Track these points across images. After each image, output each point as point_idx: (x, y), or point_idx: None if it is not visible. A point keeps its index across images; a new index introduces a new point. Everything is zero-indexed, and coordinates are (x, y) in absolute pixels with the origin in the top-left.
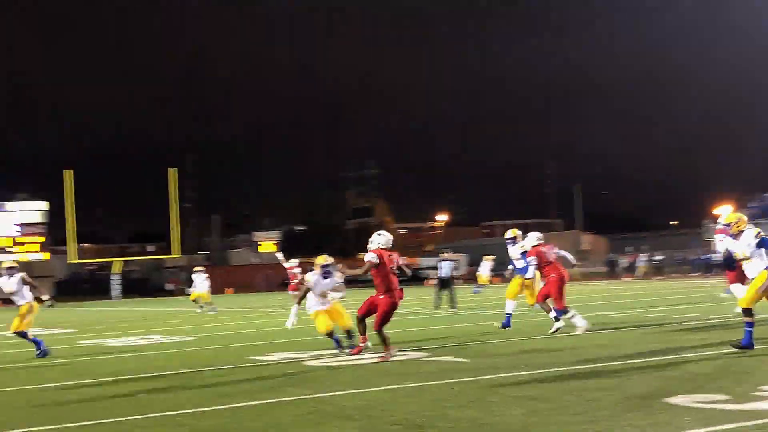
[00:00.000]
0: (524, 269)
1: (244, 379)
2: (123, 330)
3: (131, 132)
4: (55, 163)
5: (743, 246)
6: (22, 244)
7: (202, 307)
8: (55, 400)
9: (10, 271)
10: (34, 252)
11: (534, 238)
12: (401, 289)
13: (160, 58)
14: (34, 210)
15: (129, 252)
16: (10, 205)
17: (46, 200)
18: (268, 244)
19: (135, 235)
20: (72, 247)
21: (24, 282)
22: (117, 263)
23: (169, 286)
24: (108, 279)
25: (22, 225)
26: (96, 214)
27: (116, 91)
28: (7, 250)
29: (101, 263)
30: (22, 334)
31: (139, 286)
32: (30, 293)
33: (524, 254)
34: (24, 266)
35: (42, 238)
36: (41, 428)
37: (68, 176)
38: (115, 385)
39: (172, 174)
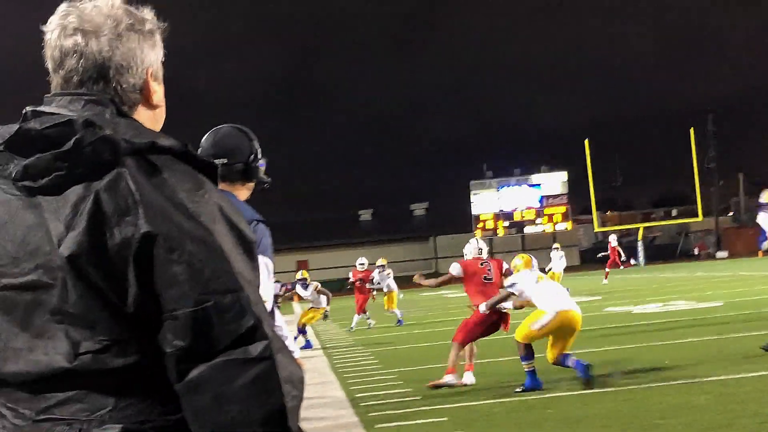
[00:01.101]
0: None
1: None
2: (648, 297)
3: (646, 94)
4: (574, 132)
5: None
6: (547, 215)
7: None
8: None
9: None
10: (558, 222)
11: None
12: None
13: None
14: (556, 181)
15: (653, 218)
16: (534, 177)
17: (567, 171)
18: None
19: (659, 199)
20: (595, 215)
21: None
22: (641, 229)
23: (695, 251)
24: (633, 246)
25: (545, 197)
26: (616, 180)
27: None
28: (536, 222)
29: (625, 230)
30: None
31: (664, 252)
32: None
33: None
34: (549, 236)
35: (564, 208)
36: None
37: (587, 145)
38: (639, 350)
39: (692, 134)
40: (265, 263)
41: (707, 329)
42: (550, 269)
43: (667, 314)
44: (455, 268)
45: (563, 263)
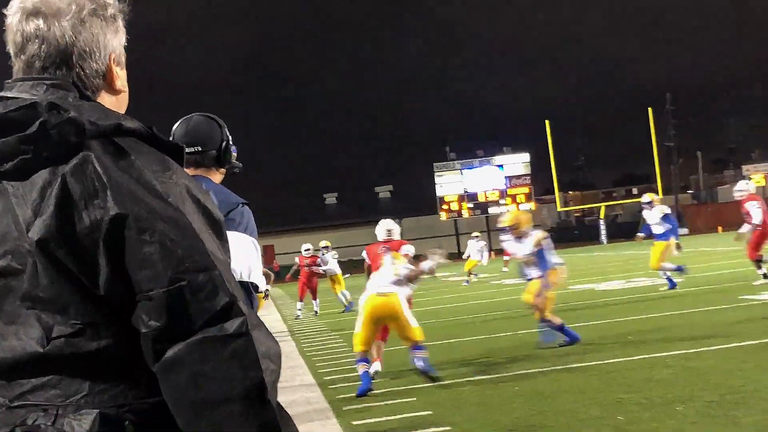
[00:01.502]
0: None
1: (736, 320)
2: (611, 274)
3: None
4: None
5: None
6: (511, 196)
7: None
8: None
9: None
10: (521, 203)
11: None
12: None
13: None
14: (519, 162)
15: (614, 196)
16: (497, 159)
17: (529, 152)
18: (760, 177)
19: (620, 179)
20: (557, 195)
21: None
22: (603, 208)
23: None
24: (596, 225)
25: (509, 178)
26: (577, 161)
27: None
28: (500, 203)
29: (587, 209)
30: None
31: (626, 230)
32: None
33: None
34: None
35: (527, 189)
36: None
37: (548, 126)
38: (605, 326)
39: (650, 114)
40: (253, 243)
41: (669, 304)
42: (468, 256)
43: (630, 290)
44: (364, 254)
45: (483, 254)
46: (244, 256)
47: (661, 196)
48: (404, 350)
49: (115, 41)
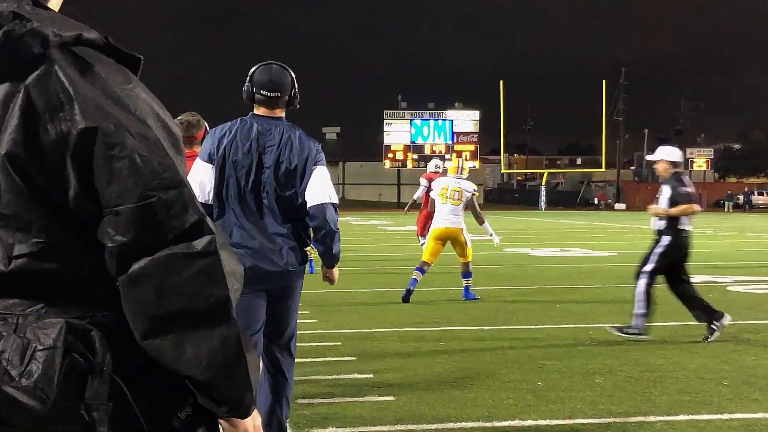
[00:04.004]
0: None
1: (662, 300)
2: (546, 241)
3: (564, 45)
4: (489, 74)
5: None
6: (457, 152)
7: None
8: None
9: None
10: (467, 160)
11: None
12: None
13: None
14: (468, 119)
15: (558, 164)
16: (448, 113)
17: (479, 110)
18: (701, 161)
19: (566, 147)
20: (503, 156)
21: None
22: (545, 175)
23: (595, 201)
24: (537, 190)
25: (456, 133)
26: (526, 125)
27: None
28: (445, 157)
29: (529, 174)
30: None
31: (565, 199)
32: None
33: None
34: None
35: (473, 147)
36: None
37: (502, 86)
38: (535, 292)
39: (604, 86)
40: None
41: (599, 277)
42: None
43: (563, 259)
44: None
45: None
46: (329, 184)
47: (604, 169)
48: (336, 294)
49: None
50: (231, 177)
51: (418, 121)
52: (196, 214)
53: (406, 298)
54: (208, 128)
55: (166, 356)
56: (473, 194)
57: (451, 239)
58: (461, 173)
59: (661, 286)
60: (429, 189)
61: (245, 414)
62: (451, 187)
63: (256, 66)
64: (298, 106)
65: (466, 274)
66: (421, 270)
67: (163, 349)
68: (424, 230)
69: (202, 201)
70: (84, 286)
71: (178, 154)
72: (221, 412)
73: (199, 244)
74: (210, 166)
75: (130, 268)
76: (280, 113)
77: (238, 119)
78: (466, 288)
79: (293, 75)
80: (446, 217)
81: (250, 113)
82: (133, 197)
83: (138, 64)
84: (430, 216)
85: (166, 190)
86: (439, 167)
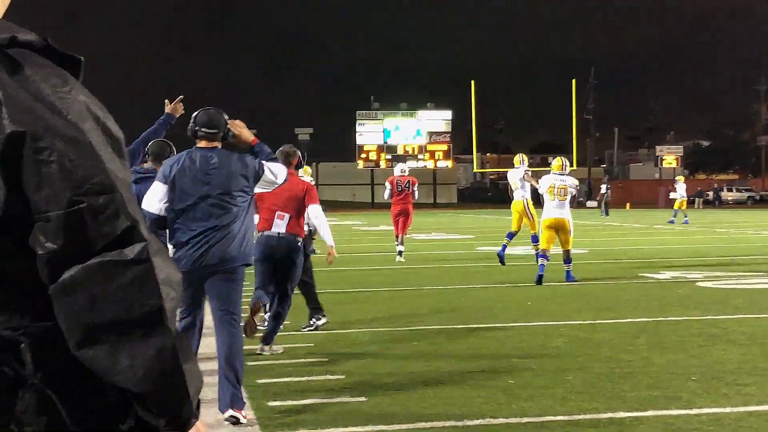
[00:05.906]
0: None
1: (633, 296)
2: (519, 239)
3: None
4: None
5: None
6: (430, 152)
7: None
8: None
9: None
10: (439, 160)
11: None
12: None
13: None
14: (441, 119)
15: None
16: (420, 114)
17: (451, 110)
18: (670, 158)
19: (537, 146)
20: (475, 156)
21: None
22: None
23: None
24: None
25: (429, 133)
26: (498, 124)
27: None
28: (418, 158)
29: (502, 172)
30: None
31: (538, 197)
32: None
33: None
34: (430, 172)
35: (446, 146)
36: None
37: (473, 86)
38: (507, 290)
39: (573, 85)
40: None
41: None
42: None
43: (535, 258)
44: None
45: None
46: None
47: (575, 167)
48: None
49: None
50: (182, 193)
51: (390, 122)
52: (128, 220)
53: (539, 281)
54: (301, 156)
55: (100, 367)
56: (577, 188)
57: (559, 227)
58: (564, 169)
59: (632, 284)
60: (393, 191)
61: (184, 427)
62: (557, 185)
63: (197, 111)
64: (231, 140)
65: (567, 260)
66: (545, 256)
67: (97, 360)
68: (399, 229)
69: (156, 213)
70: (18, 296)
71: (117, 157)
72: (160, 425)
73: (132, 251)
74: (164, 185)
75: (62, 276)
76: (217, 145)
77: (185, 151)
78: (568, 272)
79: (227, 117)
80: (555, 210)
81: (194, 147)
82: (62, 203)
83: (79, 66)
84: (399, 215)
85: (96, 195)
86: (405, 171)
